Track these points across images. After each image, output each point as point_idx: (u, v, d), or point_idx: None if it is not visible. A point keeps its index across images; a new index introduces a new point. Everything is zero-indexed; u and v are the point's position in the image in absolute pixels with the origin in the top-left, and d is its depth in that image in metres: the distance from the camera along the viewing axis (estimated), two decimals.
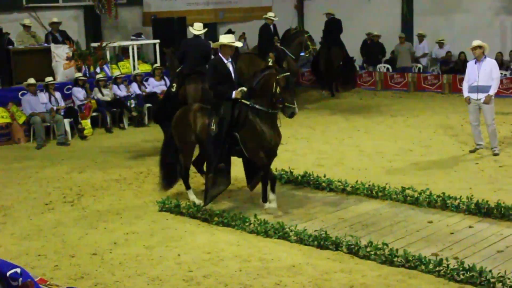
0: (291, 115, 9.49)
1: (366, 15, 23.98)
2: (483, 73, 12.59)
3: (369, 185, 10.55)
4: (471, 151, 13.20)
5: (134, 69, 19.18)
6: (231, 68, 9.96)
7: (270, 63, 18.46)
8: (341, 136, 15.44)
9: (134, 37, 20.76)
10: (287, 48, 18.93)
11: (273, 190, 9.81)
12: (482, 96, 12.61)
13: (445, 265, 7.42)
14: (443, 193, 9.89)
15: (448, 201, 9.72)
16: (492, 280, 7.05)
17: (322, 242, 8.39)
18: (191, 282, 7.53)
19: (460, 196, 9.72)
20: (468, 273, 7.21)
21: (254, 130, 9.56)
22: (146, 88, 18.61)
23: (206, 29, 13.97)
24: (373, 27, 23.28)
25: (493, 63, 12.81)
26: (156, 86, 18.74)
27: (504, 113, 16.88)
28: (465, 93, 12.87)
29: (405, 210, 9.76)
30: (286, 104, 9.45)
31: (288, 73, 9.51)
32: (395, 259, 7.77)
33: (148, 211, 10.25)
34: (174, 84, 13.48)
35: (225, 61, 9.91)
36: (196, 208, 9.87)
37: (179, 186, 10.87)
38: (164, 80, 18.86)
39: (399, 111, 18.48)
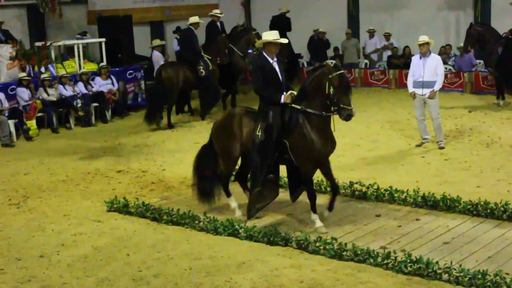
0: (348, 117, 8.50)
1: (312, 12, 24.12)
2: (428, 69, 12.78)
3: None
4: (418, 145, 13.43)
5: (80, 68, 18.94)
6: (277, 68, 8.93)
7: (218, 61, 18.50)
8: None
9: (79, 36, 20.55)
10: (234, 46, 18.89)
11: (313, 209, 8.88)
12: (427, 91, 12.80)
13: (393, 258, 7.53)
14: (391, 187, 10.03)
15: (396, 195, 9.87)
16: (439, 271, 7.19)
17: (272, 238, 8.43)
18: (141, 282, 7.50)
19: (407, 190, 9.88)
20: (416, 265, 7.34)
21: (305, 137, 8.64)
22: (92, 87, 18.42)
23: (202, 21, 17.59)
24: (319, 23, 23.45)
25: (438, 59, 13.02)
26: (102, 85, 18.59)
27: (449, 107, 17.19)
28: (410, 88, 13.06)
29: (353, 205, 9.88)
30: (341, 105, 8.45)
31: (342, 71, 8.59)
32: (344, 253, 7.86)
33: (96, 212, 10.16)
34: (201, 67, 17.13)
35: (271, 60, 8.90)
36: (145, 207, 9.81)
37: (128, 185, 10.79)
38: (111, 78, 18.71)
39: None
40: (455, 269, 7.15)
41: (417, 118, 13.34)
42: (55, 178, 12.23)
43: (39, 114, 17.00)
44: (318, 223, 8.79)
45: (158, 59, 20.00)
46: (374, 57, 23.25)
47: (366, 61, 23.16)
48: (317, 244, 8.09)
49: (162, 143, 15.13)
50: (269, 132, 8.71)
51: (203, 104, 17.88)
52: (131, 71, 20.08)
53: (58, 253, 8.50)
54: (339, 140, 14.10)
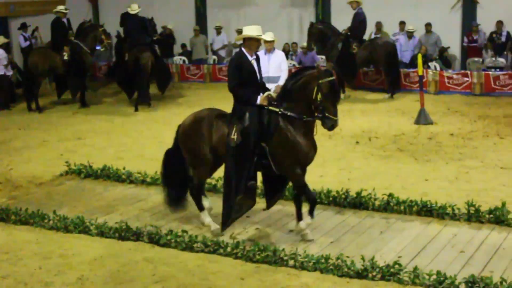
0: (331, 127, 7.85)
1: (161, 9, 24.04)
2: (273, 65, 13.05)
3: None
4: None
5: None
6: (255, 66, 8.17)
7: (65, 57, 18.13)
8: (140, 129, 15.45)
9: None
10: (82, 42, 18.55)
11: (311, 214, 8.15)
12: (272, 86, 13.08)
13: (242, 248, 7.72)
14: None
15: None
16: (285, 258, 7.45)
17: (123, 233, 8.38)
18: None
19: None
20: (263, 253, 7.57)
21: (288, 141, 7.88)
22: None
23: (140, 8, 18.55)
24: (168, 20, 23.40)
25: (282, 55, 13.34)
26: None
27: None
28: None
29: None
30: (326, 114, 7.76)
31: (333, 78, 7.80)
32: (195, 245, 7.96)
33: None
34: (127, 53, 18.27)
35: (250, 58, 8.11)
36: None
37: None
38: None
39: (196, 102, 18.74)
40: (300, 255, 7.43)
41: None
42: None
43: None
44: (307, 229, 8.17)
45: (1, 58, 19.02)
46: (222, 53, 23.48)
47: (215, 57, 23.37)
48: (169, 237, 8.13)
49: (9, 141, 14.59)
50: (246, 135, 7.90)
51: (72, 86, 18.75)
52: None
53: None
54: None
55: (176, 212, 8.98)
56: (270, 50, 13.03)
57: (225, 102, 18.08)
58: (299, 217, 8.23)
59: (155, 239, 8.20)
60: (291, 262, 7.42)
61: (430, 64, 19.47)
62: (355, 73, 18.98)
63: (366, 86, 19.87)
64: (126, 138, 14.51)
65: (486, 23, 19.89)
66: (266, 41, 13.05)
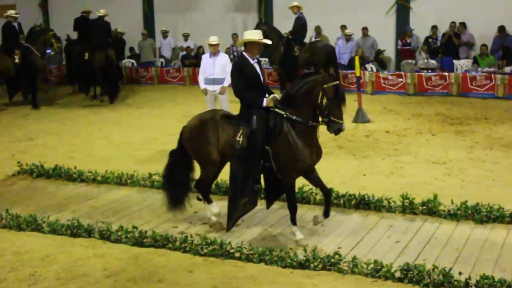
0: (337, 131, 7.54)
1: (110, 13, 23.74)
2: (218, 67, 13.07)
3: (119, 174, 10.59)
4: None
5: None
6: (258, 69, 7.92)
7: (16, 60, 17.84)
8: (90, 129, 15.28)
9: None
10: (32, 46, 18.29)
11: (293, 222, 7.87)
12: (217, 87, 13.13)
13: (190, 242, 7.72)
14: None
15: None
16: (232, 250, 7.48)
17: (75, 230, 8.29)
18: None
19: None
20: (211, 246, 7.58)
21: (290, 145, 7.63)
22: None
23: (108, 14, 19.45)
24: (117, 24, 23.18)
25: (227, 58, 13.35)
26: None
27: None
28: (202, 85, 13.25)
29: (153, 195, 9.92)
30: (332, 118, 7.50)
31: (337, 82, 7.60)
32: (145, 240, 7.93)
33: None
34: (87, 53, 18.99)
35: (251, 61, 7.88)
36: None
37: None
38: None
39: (145, 103, 18.69)
40: (245, 248, 7.48)
41: None
42: None
43: None
44: (299, 235, 7.79)
45: None
46: (169, 56, 23.40)
47: (162, 60, 23.28)
48: (119, 233, 8.08)
49: None
50: (253, 138, 7.64)
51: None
52: None
53: None
54: (138, 134, 14.33)
55: (176, 213, 8.60)
56: (215, 53, 13.03)
57: (174, 103, 18.26)
58: (326, 212, 7.91)
59: (106, 235, 8.14)
60: (237, 255, 7.45)
61: (367, 65, 19.76)
62: (297, 74, 19.12)
63: None
64: (76, 138, 14.34)
65: (418, 28, 20.30)
66: (210, 45, 13.08)
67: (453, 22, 19.74)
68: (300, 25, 18.37)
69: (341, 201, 9.08)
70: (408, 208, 8.74)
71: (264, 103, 7.72)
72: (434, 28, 20.03)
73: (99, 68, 18.97)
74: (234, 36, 21.96)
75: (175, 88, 21.38)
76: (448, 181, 10.33)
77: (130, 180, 10.43)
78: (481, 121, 14.90)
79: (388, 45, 20.93)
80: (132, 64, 23.09)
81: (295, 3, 18.20)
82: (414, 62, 20.20)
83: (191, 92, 20.04)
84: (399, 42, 20.62)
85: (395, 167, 11.18)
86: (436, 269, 6.66)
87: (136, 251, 7.76)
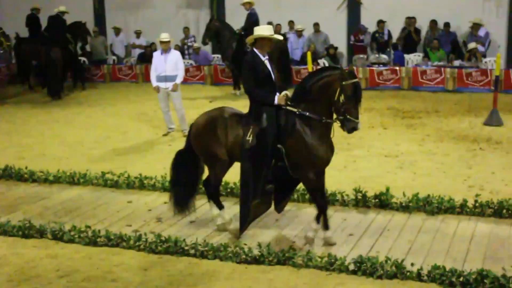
0: (352, 130, 7.22)
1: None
2: (169, 64, 13.06)
3: (71, 173, 10.48)
4: (164, 135, 13.70)
5: None
6: (269, 66, 7.58)
7: None
8: (41, 129, 15.07)
9: None
10: None
11: (318, 220, 7.59)
12: (169, 84, 13.10)
13: (144, 240, 7.68)
14: (140, 174, 10.16)
15: (145, 181, 10.01)
16: (186, 247, 7.47)
17: (27, 231, 8.17)
18: None
19: (155, 176, 10.08)
20: (165, 244, 7.55)
21: (306, 142, 7.30)
22: None
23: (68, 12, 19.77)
24: (67, 21, 22.84)
25: (178, 55, 13.36)
26: None
27: (191, 98, 17.70)
28: (154, 83, 13.25)
29: (106, 194, 9.86)
30: (348, 116, 7.18)
31: (357, 80, 7.23)
32: (98, 239, 7.86)
33: None
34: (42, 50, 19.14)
35: (263, 58, 7.53)
36: None
37: None
38: None
39: (97, 101, 18.50)
40: (200, 245, 7.47)
41: (162, 109, 13.59)
42: None
43: None
44: (333, 240, 7.58)
45: None
46: (122, 53, 23.20)
47: (114, 57, 23.06)
48: (72, 233, 7.99)
49: None
50: (263, 137, 7.35)
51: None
52: None
53: None
54: (90, 133, 14.19)
55: (183, 215, 8.35)
56: (166, 50, 13.03)
57: (126, 100, 18.11)
58: (326, 225, 7.64)
59: (58, 236, 8.04)
60: (192, 252, 7.44)
61: (319, 61, 19.88)
62: None
63: None
64: (27, 138, 14.11)
65: (369, 23, 20.53)
66: (162, 42, 13.05)
67: (413, 17, 20.00)
68: (252, 21, 18.37)
69: (295, 196, 9.12)
70: (361, 201, 8.85)
71: (276, 101, 7.43)
72: (381, 22, 20.28)
73: (58, 65, 19.16)
74: (186, 29, 21.93)
75: (128, 86, 21.22)
76: (400, 174, 10.48)
77: (82, 179, 10.32)
78: (432, 114, 15.15)
79: (340, 40, 21.11)
80: (84, 62, 22.81)
81: (247, 0, 18.21)
82: (365, 57, 20.41)
83: (144, 89, 19.90)
84: (352, 38, 20.80)
85: (348, 161, 11.29)
86: (389, 261, 6.75)
87: (89, 251, 7.69)
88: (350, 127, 7.19)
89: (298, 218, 8.51)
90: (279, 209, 8.12)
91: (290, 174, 7.52)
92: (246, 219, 7.59)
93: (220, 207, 8.07)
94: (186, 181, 8.17)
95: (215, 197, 8.09)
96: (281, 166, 7.46)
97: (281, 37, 8.10)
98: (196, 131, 7.90)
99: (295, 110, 7.36)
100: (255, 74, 7.48)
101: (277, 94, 7.51)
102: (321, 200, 7.55)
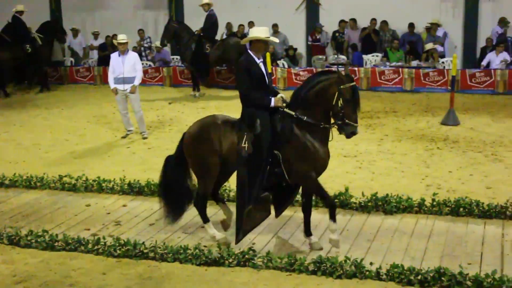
0: (351, 135, 7.11)
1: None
2: (127, 66, 12.96)
3: (27, 177, 10.32)
4: (123, 137, 13.59)
5: None
6: (263, 69, 7.38)
7: None
8: None
9: None
10: None
11: (333, 218, 7.30)
12: (128, 86, 13.00)
13: (103, 243, 7.61)
14: (99, 177, 10.06)
15: (103, 184, 9.92)
16: (146, 250, 7.42)
17: None
18: None
19: (114, 179, 9.99)
20: (124, 247, 7.50)
21: (304, 148, 7.14)
22: None
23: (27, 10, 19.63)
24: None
25: (136, 56, 13.27)
26: None
27: (150, 100, 17.59)
28: (112, 85, 13.14)
29: (64, 197, 9.74)
30: (346, 121, 7.07)
31: (354, 83, 7.11)
32: (56, 243, 7.76)
33: None
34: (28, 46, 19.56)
35: (257, 60, 7.32)
36: None
37: None
38: None
39: (54, 103, 18.26)
40: (159, 247, 7.43)
41: (121, 112, 13.48)
42: None
43: None
44: (335, 236, 7.34)
45: None
46: (80, 55, 22.98)
47: (72, 59, 22.81)
48: (29, 237, 7.88)
49: None
50: (258, 143, 7.15)
51: None
52: None
53: None
54: (47, 136, 14.01)
55: (174, 224, 8.10)
56: (124, 52, 12.93)
57: (84, 102, 17.94)
58: (307, 230, 7.59)
59: (15, 241, 7.92)
60: (151, 255, 7.39)
61: (278, 62, 19.94)
62: (209, 72, 19.19)
63: (220, 84, 20.06)
64: None
65: (328, 23, 20.66)
66: (119, 43, 12.95)
67: (374, 19, 20.18)
68: (211, 22, 18.37)
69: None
70: (321, 202, 8.86)
71: (273, 103, 7.24)
72: (342, 22, 20.44)
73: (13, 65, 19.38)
74: (141, 31, 21.75)
75: (86, 88, 21.00)
76: (359, 173, 10.57)
77: (39, 183, 10.18)
78: (390, 114, 15.31)
79: (299, 41, 21.20)
80: (71, 62, 22.57)
81: (206, 1, 18.17)
82: (324, 57, 20.53)
83: (102, 91, 19.70)
84: (309, 38, 20.91)
85: None
86: (348, 261, 6.81)
87: (47, 256, 7.59)
88: (349, 131, 7.10)
89: (291, 220, 8.48)
90: (277, 214, 7.95)
91: (287, 180, 7.35)
92: (242, 227, 7.36)
93: (206, 220, 7.86)
94: (175, 188, 7.92)
95: (201, 209, 7.82)
96: (278, 172, 7.28)
97: (277, 40, 8.01)
98: (190, 139, 7.65)
99: (292, 113, 7.19)
100: (250, 76, 7.26)
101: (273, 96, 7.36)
102: (330, 197, 7.45)
